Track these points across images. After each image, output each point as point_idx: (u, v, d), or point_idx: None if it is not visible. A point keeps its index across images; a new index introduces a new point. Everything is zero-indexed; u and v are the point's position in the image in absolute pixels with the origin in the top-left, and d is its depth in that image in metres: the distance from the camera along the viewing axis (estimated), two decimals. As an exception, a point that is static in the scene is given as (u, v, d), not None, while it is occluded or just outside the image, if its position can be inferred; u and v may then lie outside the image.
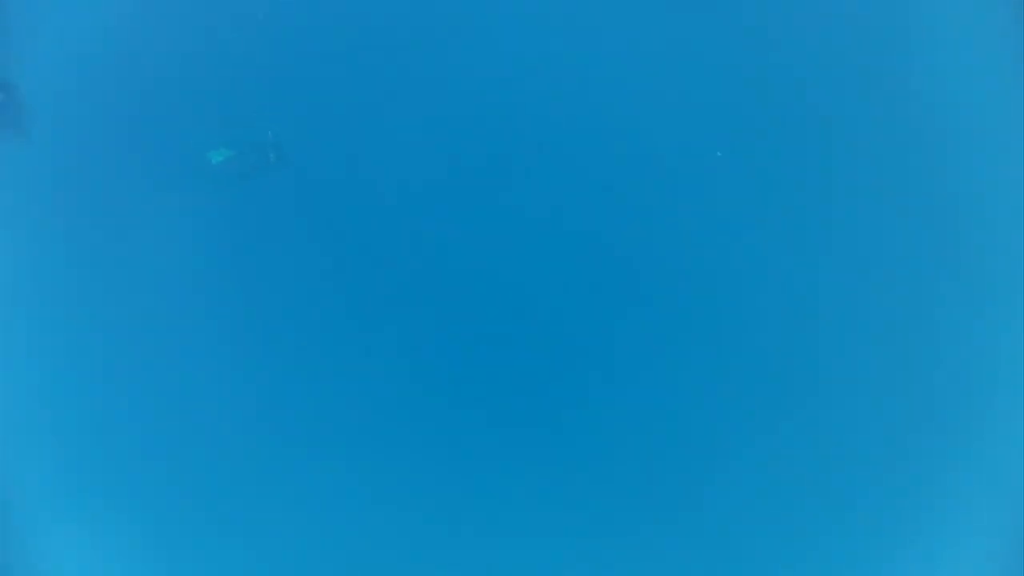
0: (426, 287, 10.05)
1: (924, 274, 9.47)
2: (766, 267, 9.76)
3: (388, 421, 10.15)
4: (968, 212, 9.31)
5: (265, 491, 10.16)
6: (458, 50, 10.00)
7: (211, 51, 9.82)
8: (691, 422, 9.96)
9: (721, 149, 9.50)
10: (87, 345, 10.04)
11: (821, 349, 9.77)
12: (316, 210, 10.03)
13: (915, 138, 9.38)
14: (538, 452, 10.05)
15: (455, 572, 10.06)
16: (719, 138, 9.71)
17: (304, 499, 10.18)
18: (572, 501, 10.00)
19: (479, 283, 10.09)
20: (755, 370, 9.84)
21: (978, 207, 9.26)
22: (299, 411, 10.22)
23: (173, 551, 10.21)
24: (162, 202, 9.70)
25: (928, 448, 9.53)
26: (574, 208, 9.98)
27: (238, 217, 9.80)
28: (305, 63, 10.01)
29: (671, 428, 9.97)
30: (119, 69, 9.78)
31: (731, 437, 9.86)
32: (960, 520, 9.50)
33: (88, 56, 9.74)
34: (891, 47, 9.37)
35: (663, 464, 9.96)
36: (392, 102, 9.94)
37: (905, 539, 9.63)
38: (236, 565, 10.20)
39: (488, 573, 10.04)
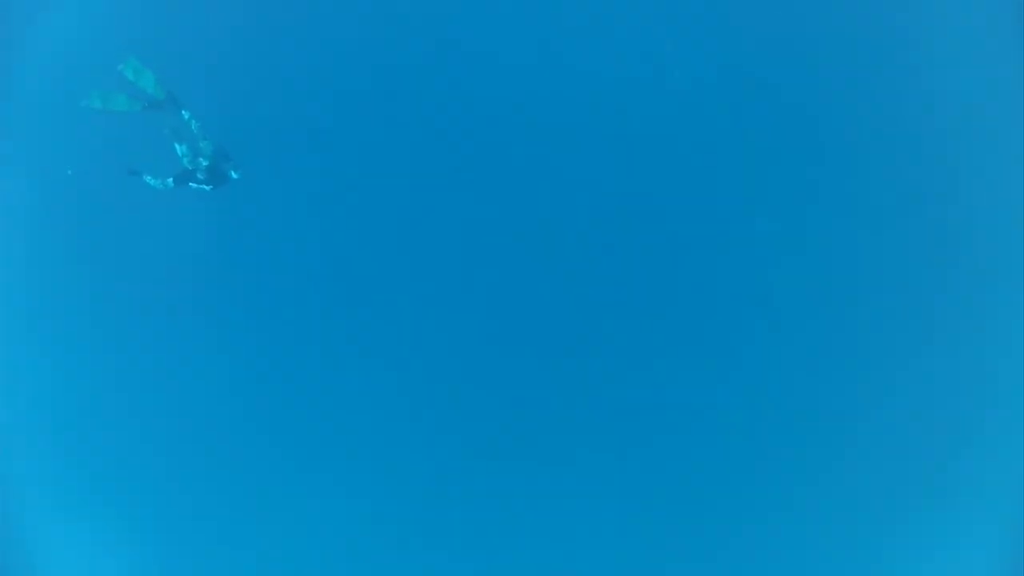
0: (422, 285, 10.04)
1: (925, 274, 9.48)
2: (764, 267, 9.76)
3: (389, 421, 10.16)
4: (969, 212, 9.31)
5: (265, 492, 10.17)
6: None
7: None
8: (692, 422, 9.96)
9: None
10: (87, 346, 10.06)
11: (821, 349, 9.78)
12: (314, 205, 10.02)
13: (915, 138, 9.38)
14: (537, 452, 10.07)
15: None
16: (720, 138, 9.71)
17: (304, 500, 10.17)
18: (572, 502, 10.03)
19: (476, 281, 10.09)
20: (754, 370, 9.85)
21: (979, 207, 9.26)
22: (300, 412, 10.19)
23: (173, 552, 10.24)
24: (159, 203, 9.64)
25: (928, 448, 9.54)
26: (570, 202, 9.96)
27: (235, 214, 9.73)
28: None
29: (673, 430, 9.97)
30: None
31: (730, 436, 9.87)
32: (960, 520, 9.51)
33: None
34: (891, 46, 9.37)
35: (664, 466, 9.96)
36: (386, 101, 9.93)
37: (905, 539, 9.65)
38: (236, 566, 10.22)
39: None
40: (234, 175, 7.94)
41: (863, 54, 9.31)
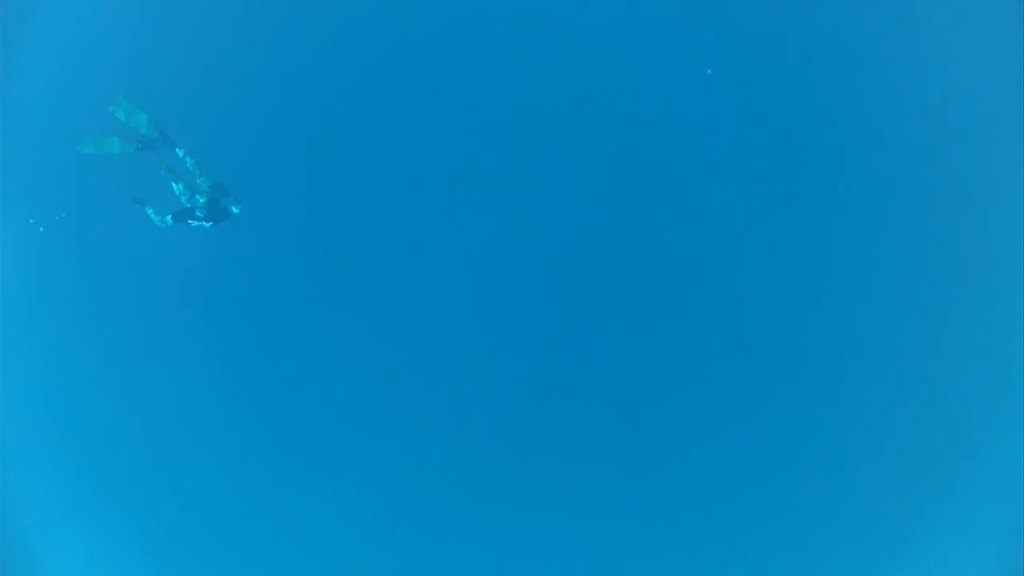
0: (422, 287, 10.05)
1: (926, 274, 9.47)
2: (764, 266, 9.75)
3: (387, 423, 10.18)
4: (970, 212, 9.30)
5: (265, 493, 10.21)
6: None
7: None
8: (693, 421, 9.96)
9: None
10: (88, 347, 10.05)
11: (821, 348, 9.77)
12: (311, 210, 10.02)
13: (916, 138, 9.37)
14: (535, 454, 10.08)
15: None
16: (719, 136, 9.69)
17: (303, 503, 10.22)
18: (572, 501, 10.04)
19: (476, 288, 10.09)
20: (754, 372, 9.84)
21: (979, 207, 9.26)
22: (299, 413, 10.23)
23: (173, 552, 10.27)
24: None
25: (929, 448, 9.54)
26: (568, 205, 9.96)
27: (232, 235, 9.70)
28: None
29: (672, 429, 9.97)
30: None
31: (730, 435, 9.87)
32: (961, 520, 9.51)
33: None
34: (891, 45, 9.35)
35: (664, 468, 9.97)
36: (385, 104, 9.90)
37: (906, 540, 9.65)
38: (236, 566, 10.24)
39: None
40: (235, 210, 7.90)
41: (863, 54, 9.29)
